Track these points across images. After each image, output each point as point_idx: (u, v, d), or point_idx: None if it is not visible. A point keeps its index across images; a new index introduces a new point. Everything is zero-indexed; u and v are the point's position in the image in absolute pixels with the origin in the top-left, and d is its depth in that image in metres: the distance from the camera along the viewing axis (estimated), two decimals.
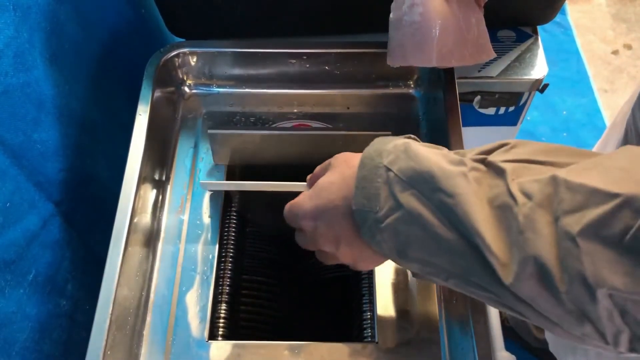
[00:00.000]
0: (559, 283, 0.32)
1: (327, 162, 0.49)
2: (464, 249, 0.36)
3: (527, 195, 0.34)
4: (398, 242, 0.40)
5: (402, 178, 0.39)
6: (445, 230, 0.37)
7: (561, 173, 0.33)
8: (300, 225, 0.48)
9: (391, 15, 0.52)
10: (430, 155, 0.39)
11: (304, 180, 0.53)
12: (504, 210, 0.35)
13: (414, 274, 0.46)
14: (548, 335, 0.91)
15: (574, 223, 0.31)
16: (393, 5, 0.51)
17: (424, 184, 0.38)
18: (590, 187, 0.31)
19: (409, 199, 0.39)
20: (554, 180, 0.33)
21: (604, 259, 0.31)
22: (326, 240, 0.47)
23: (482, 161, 0.38)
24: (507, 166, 0.36)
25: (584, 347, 0.74)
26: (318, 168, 0.50)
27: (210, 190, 0.60)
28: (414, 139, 0.45)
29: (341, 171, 0.45)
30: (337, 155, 0.48)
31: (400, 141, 0.42)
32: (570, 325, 0.34)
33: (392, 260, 0.44)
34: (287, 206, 0.49)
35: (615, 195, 0.30)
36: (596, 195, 0.31)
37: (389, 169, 0.40)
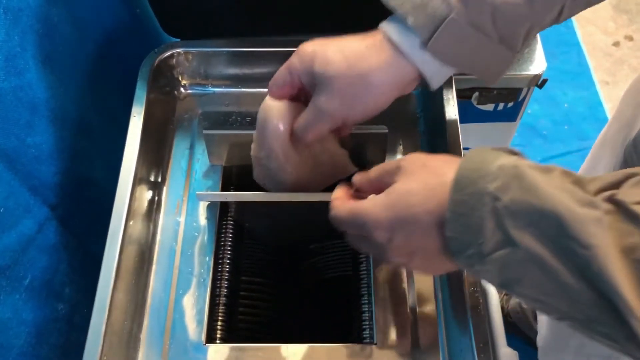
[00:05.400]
0: None
1: (393, 164, 0.44)
2: (594, 300, 0.33)
3: None
4: (504, 278, 0.37)
5: (516, 212, 0.35)
6: (573, 279, 0.33)
7: None
8: (370, 235, 0.43)
9: (252, 153, 0.54)
10: (552, 191, 0.34)
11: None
12: None
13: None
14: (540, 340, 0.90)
15: None
16: (253, 146, 0.53)
17: (550, 227, 0.34)
18: None
19: (526, 238, 0.34)
20: None
21: None
22: (400, 253, 0.43)
23: (611, 198, 0.34)
24: None
25: None
26: (379, 171, 0.45)
27: (207, 201, 0.60)
28: (518, 154, 0.40)
29: (423, 179, 0.41)
30: (406, 158, 0.44)
31: (507, 161, 0.37)
32: None
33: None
34: (348, 212, 0.45)
35: None
36: None
37: (496, 198, 0.35)
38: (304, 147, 0.52)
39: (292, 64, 0.49)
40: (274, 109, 0.50)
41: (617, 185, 0.34)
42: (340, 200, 0.47)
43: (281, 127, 0.50)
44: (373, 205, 0.43)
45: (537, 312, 0.90)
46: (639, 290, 0.31)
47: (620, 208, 0.33)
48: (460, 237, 0.37)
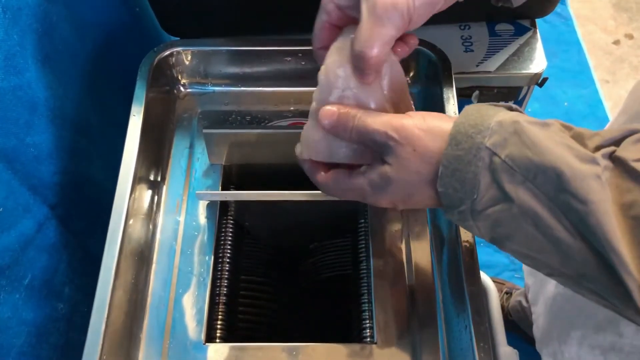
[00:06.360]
0: None
1: (382, 137, 0.40)
2: (588, 257, 0.33)
3: None
4: (496, 233, 0.37)
5: (513, 167, 0.34)
6: (567, 235, 0.34)
7: None
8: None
9: (314, 105, 0.45)
10: (553, 147, 0.34)
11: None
12: None
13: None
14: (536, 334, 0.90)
15: None
16: (316, 96, 0.45)
17: (547, 182, 0.34)
18: None
19: (521, 194, 0.34)
20: None
21: None
22: (389, 204, 0.43)
23: (611, 155, 0.34)
24: None
25: None
26: (365, 136, 0.41)
27: (207, 200, 0.60)
28: (516, 110, 0.39)
29: (415, 168, 0.39)
30: (396, 133, 0.39)
31: (506, 117, 0.36)
32: None
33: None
34: (338, 190, 0.44)
35: None
36: None
37: (493, 153, 0.35)
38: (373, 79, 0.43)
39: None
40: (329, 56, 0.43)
41: (617, 142, 0.34)
42: (332, 179, 0.45)
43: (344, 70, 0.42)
44: (364, 188, 0.43)
45: (532, 306, 0.90)
46: (634, 247, 0.31)
47: (620, 165, 0.33)
48: (453, 193, 0.37)
